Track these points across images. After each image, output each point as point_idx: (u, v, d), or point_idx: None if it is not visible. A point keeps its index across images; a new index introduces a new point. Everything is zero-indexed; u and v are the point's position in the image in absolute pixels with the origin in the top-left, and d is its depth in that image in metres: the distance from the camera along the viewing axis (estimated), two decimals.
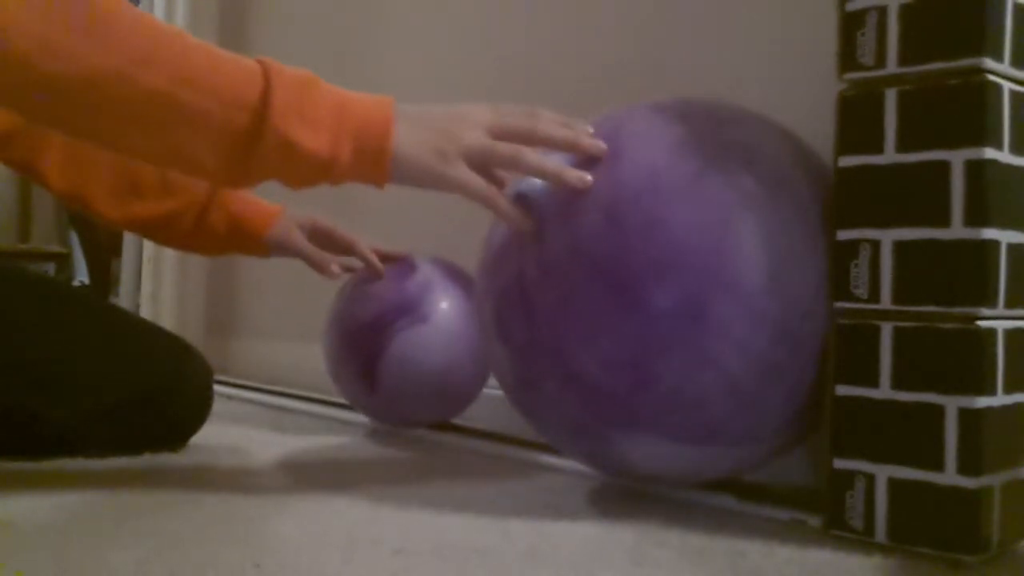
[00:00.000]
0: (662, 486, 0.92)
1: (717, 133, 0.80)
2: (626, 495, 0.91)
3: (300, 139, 0.74)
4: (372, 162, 0.76)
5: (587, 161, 0.79)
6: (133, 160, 0.98)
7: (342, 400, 1.36)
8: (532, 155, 0.78)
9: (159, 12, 2.01)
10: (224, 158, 0.74)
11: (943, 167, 0.71)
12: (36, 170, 1.08)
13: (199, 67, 0.72)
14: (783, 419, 0.79)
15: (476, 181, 0.78)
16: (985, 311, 0.70)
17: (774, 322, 0.75)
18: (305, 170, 0.76)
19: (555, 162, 0.79)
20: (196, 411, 1.10)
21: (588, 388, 0.78)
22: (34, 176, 1.09)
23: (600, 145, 0.78)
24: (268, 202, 1.19)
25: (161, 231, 1.14)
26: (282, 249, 1.18)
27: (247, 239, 1.16)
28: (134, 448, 1.02)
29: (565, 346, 0.78)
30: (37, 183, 1.11)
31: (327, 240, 1.21)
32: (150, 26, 0.72)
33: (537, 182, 0.81)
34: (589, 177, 0.77)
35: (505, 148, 0.78)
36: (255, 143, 0.73)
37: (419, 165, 0.77)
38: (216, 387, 1.13)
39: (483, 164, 0.78)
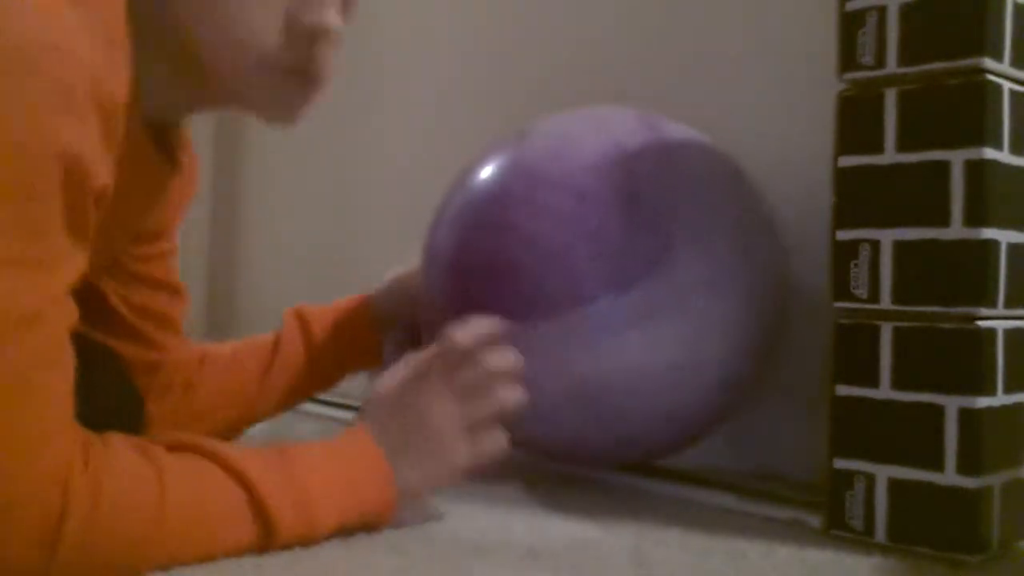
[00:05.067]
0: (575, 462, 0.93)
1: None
2: (626, 495, 0.91)
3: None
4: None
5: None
6: None
7: (341, 400, 1.36)
8: (506, 395, 0.79)
9: None
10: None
11: (943, 167, 0.71)
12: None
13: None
14: (600, 275, 0.79)
15: (473, 455, 0.78)
16: (985, 311, 0.70)
17: (557, 179, 0.80)
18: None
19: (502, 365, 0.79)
20: None
21: (442, 269, 0.87)
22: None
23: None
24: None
25: None
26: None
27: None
28: None
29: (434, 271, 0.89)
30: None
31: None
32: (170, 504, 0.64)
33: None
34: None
35: (479, 407, 0.79)
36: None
37: (421, 493, 0.77)
38: None
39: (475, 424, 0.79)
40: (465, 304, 0.83)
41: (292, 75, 0.71)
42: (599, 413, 0.83)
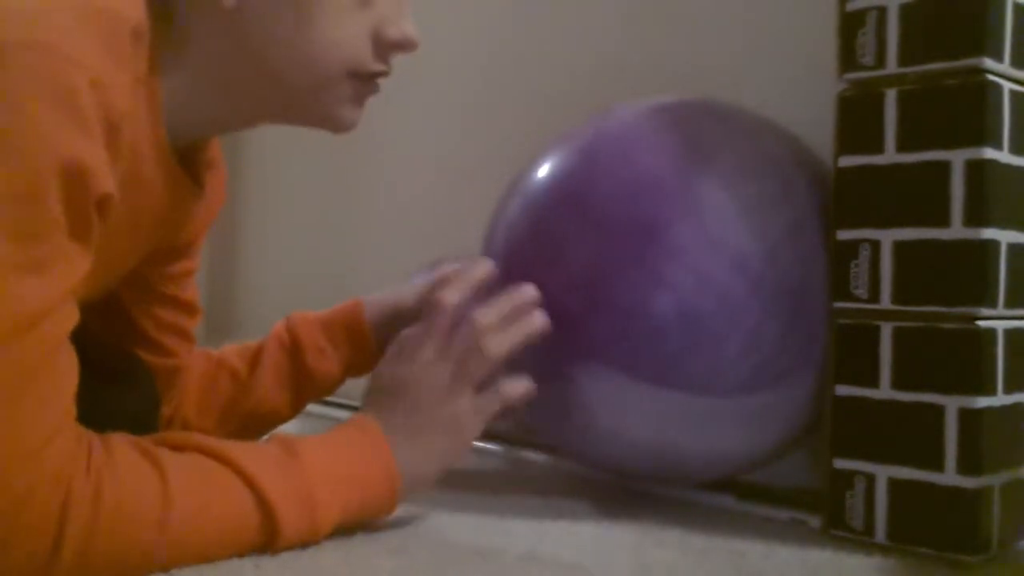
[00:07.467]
0: (650, 482, 0.92)
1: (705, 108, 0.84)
2: (626, 495, 0.91)
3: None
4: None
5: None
6: None
7: (340, 400, 1.36)
8: (494, 346, 0.78)
9: None
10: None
11: (943, 167, 0.71)
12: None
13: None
14: (743, 372, 0.75)
15: (483, 417, 0.77)
16: (985, 311, 0.70)
17: (735, 253, 0.75)
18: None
19: (510, 335, 0.78)
20: None
21: (547, 310, 0.78)
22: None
23: (525, 295, 0.79)
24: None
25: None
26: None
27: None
28: None
29: (531, 269, 0.80)
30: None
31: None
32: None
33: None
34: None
35: (473, 364, 0.77)
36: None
37: (433, 476, 0.77)
38: None
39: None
40: (578, 336, 0.78)
41: (359, 83, 0.75)
42: (663, 462, 0.82)
